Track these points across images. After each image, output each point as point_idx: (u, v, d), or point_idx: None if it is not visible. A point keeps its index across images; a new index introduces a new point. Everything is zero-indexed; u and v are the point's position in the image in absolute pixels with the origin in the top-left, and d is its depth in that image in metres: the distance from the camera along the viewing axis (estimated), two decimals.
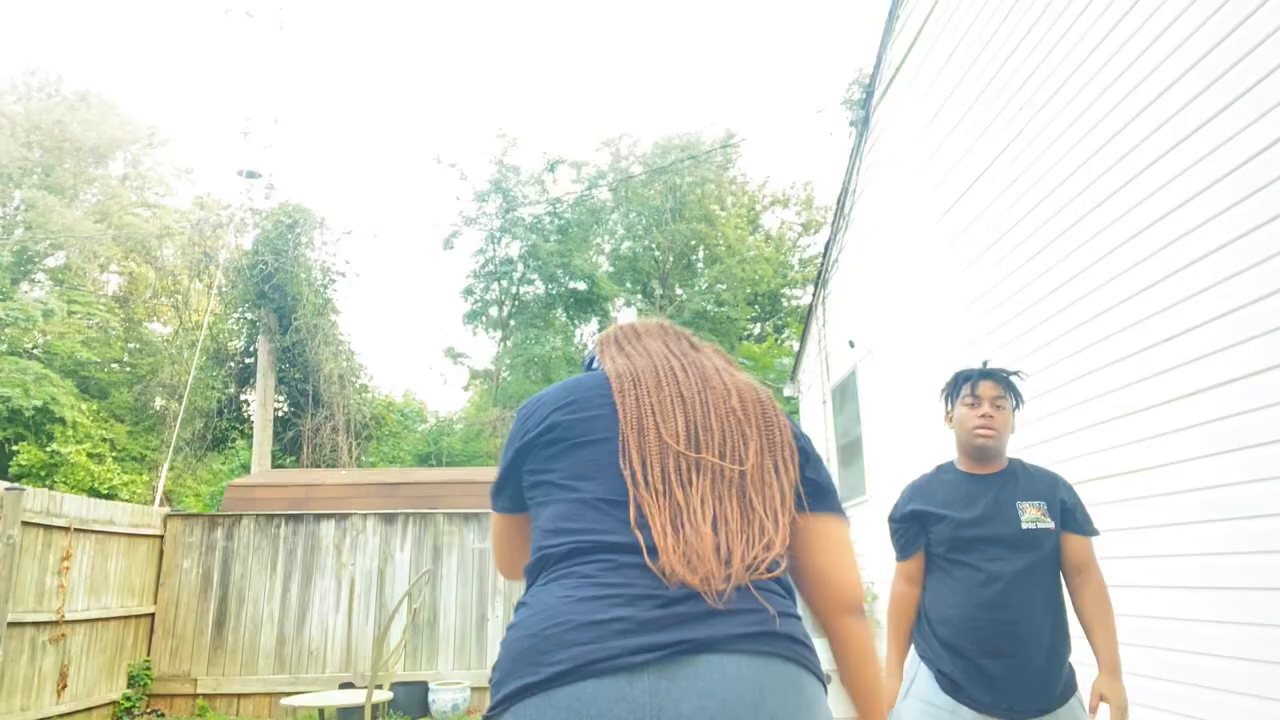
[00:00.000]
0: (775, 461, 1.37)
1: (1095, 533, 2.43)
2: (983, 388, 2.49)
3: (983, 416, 2.45)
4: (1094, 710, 2.29)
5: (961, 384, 2.55)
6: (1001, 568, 2.32)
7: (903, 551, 2.57)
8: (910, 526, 2.55)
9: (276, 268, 12.17)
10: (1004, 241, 4.57)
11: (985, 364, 2.59)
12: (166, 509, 8.41)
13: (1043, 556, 2.33)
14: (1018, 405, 2.51)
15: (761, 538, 1.29)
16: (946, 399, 2.62)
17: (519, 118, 43.36)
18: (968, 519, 2.40)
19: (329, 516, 7.96)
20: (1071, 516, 2.40)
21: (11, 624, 5.72)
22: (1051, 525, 2.35)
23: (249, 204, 13.00)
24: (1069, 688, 2.32)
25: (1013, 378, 2.51)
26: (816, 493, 1.39)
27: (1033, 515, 2.35)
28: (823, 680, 1.34)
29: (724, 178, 26.91)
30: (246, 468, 12.79)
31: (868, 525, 6.81)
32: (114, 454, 19.53)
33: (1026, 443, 4.28)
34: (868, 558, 6.84)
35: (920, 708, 2.39)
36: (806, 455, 1.43)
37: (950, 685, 2.36)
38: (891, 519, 2.64)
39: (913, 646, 2.56)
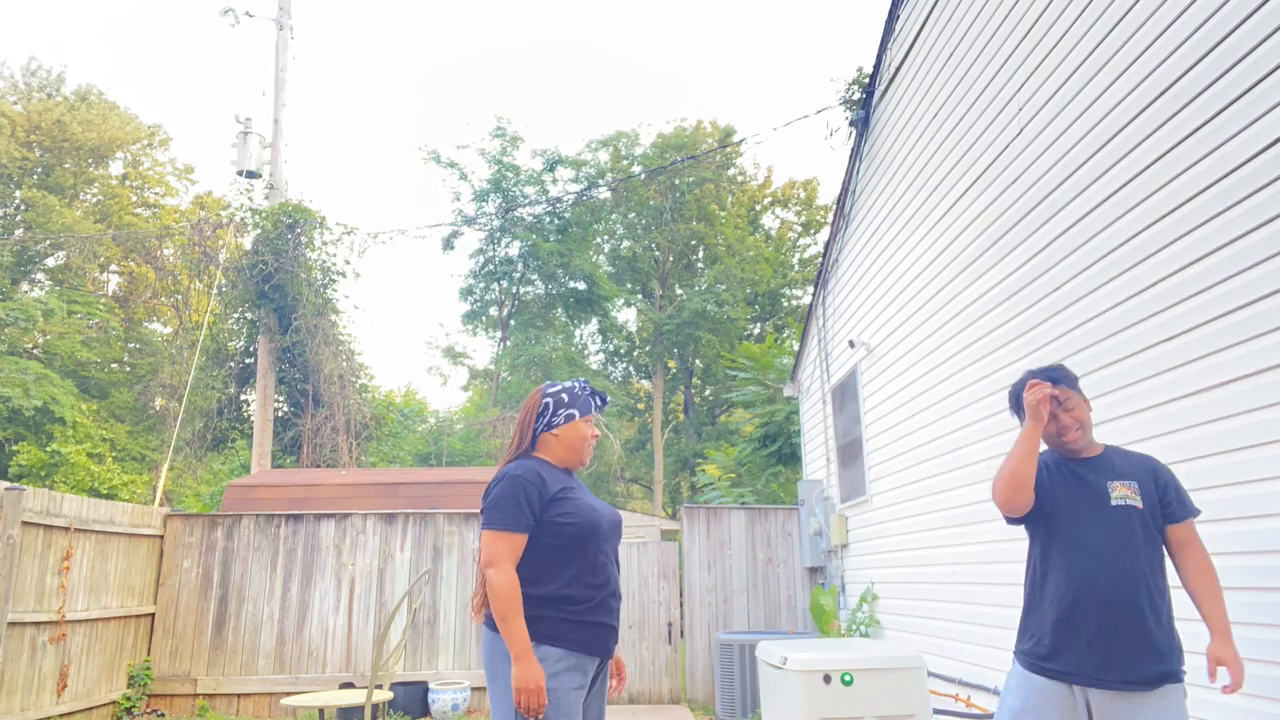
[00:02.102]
0: None
1: (1194, 512, 2.54)
2: (1059, 400, 2.60)
3: (1064, 426, 2.57)
4: (1213, 675, 2.39)
5: (1019, 396, 2.68)
6: (1095, 541, 2.43)
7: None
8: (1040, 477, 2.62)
9: (276, 268, 12.17)
10: (1004, 241, 4.57)
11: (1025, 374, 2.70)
12: (166, 509, 8.42)
13: (1131, 531, 2.44)
14: (1080, 390, 2.62)
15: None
16: (1015, 413, 2.73)
17: (519, 117, 43.39)
18: (1066, 495, 2.52)
19: (329, 516, 7.96)
20: (1165, 500, 2.52)
21: (11, 624, 5.72)
22: (1140, 504, 2.47)
23: (249, 204, 12.99)
24: (1170, 674, 2.37)
25: (1063, 373, 2.63)
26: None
27: (1122, 493, 2.48)
28: (497, 630, 2.38)
29: (724, 177, 26.91)
30: (246, 468, 12.80)
31: (867, 525, 6.82)
32: (114, 454, 19.55)
33: None
34: (869, 558, 6.84)
35: (1021, 686, 2.48)
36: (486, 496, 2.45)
37: (1042, 661, 2.44)
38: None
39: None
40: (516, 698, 2.30)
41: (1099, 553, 2.41)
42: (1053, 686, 2.40)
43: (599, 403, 2.77)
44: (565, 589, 2.43)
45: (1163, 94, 3.28)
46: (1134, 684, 2.33)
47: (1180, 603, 2.68)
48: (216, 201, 24.09)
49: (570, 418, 2.67)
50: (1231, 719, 2.84)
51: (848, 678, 3.95)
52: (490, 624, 2.45)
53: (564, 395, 2.70)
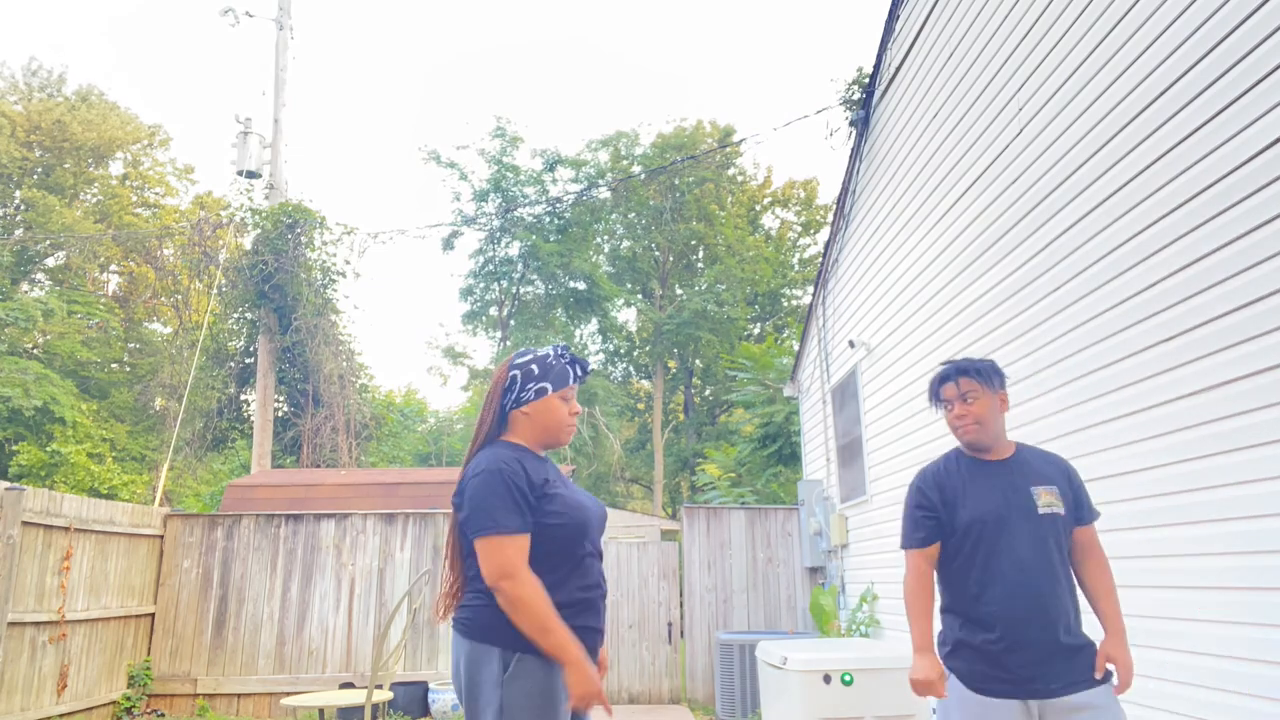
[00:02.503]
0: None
1: (1098, 515, 2.59)
2: (945, 390, 2.61)
3: (958, 416, 2.57)
4: (1100, 671, 2.39)
5: (933, 394, 2.67)
6: (1025, 553, 2.41)
7: (925, 540, 2.58)
8: (931, 516, 2.58)
9: (276, 268, 12.17)
10: (1004, 241, 4.57)
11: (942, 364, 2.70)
12: (166, 509, 8.42)
13: (1057, 538, 2.45)
14: (995, 387, 2.57)
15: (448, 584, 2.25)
16: (934, 405, 2.72)
17: (519, 117, 43.40)
18: (989, 508, 2.48)
19: (329, 516, 7.96)
20: (1079, 503, 2.54)
21: (11, 624, 5.72)
22: (1063, 510, 2.47)
23: (249, 204, 12.99)
24: (1094, 665, 2.41)
25: (978, 365, 2.59)
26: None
27: (1047, 500, 2.46)
28: (476, 639, 2.08)
29: (724, 177, 26.91)
30: (246, 468, 12.80)
31: (867, 525, 6.82)
32: (114, 454, 19.56)
33: (1028, 442, 4.28)
34: (869, 558, 6.84)
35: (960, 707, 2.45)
36: (460, 496, 2.16)
37: (980, 677, 2.41)
38: (914, 507, 2.64)
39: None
40: (586, 699, 2.02)
41: (1032, 568, 2.39)
42: (1004, 704, 2.36)
43: (579, 372, 2.34)
44: (552, 595, 2.07)
45: (1163, 94, 3.28)
46: (1079, 685, 2.36)
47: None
48: (216, 201, 24.10)
49: (543, 392, 2.25)
50: (1232, 718, 2.84)
51: (848, 678, 3.95)
52: (467, 633, 2.12)
53: (534, 366, 2.26)
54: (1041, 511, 2.44)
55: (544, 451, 2.33)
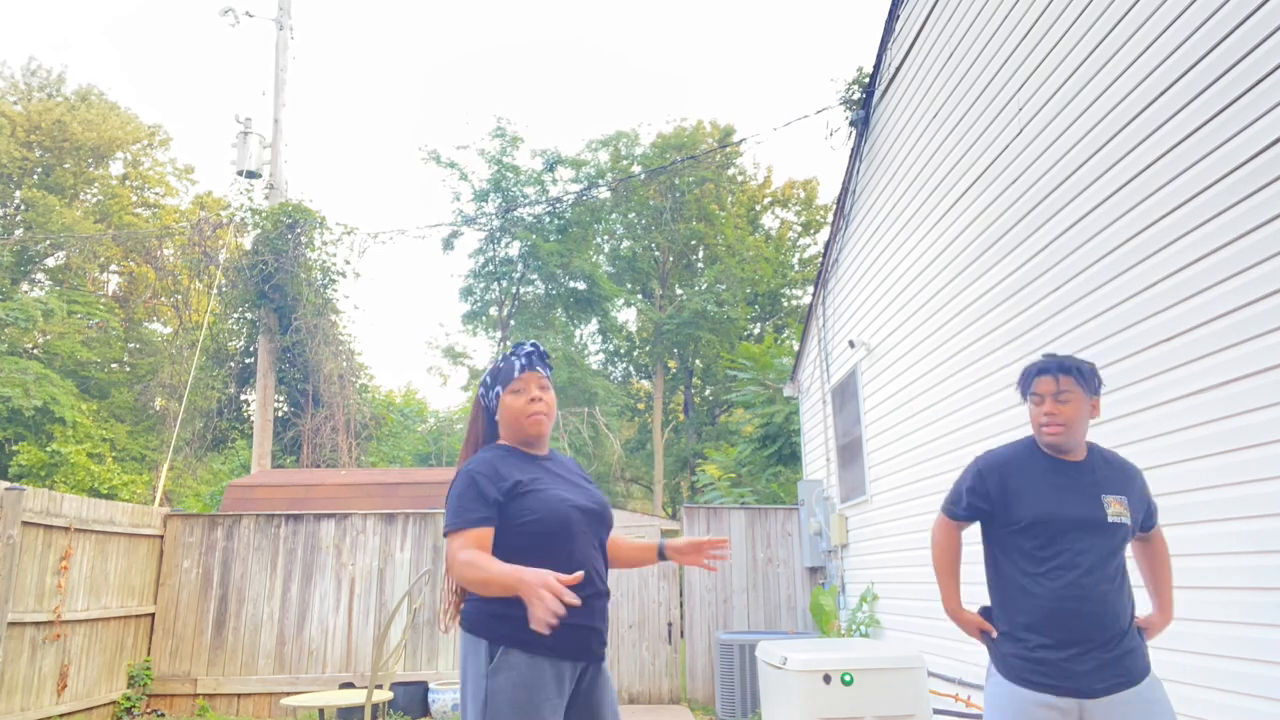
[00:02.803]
0: None
1: (1159, 521, 2.63)
2: (1041, 384, 2.48)
3: (1047, 414, 2.46)
4: (1147, 629, 2.51)
5: (1025, 382, 2.55)
6: (1088, 558, 2.39)
7: (965, 518, 2.58)
8: (981, 503, 2.53)
9: (276, 268, 12.16)
10: (1004, 241, 4.57)
11: (1046, 357, 2.58)
12: (166, 509, 8.42)
13: (1121, 546, 2.45)
14: (1092, 391, 2.48)
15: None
16: (1022, 394, 2.61)
17: (519, 117, 43.41)
18: (1058, 510, 2.43)
19: (329, 516, 7.96)
20: (1148, 512, 2.55)
21: (11, 624, 5.72)
22: (1129, 521, 2.45)
23: (249, 204, 12.99)
24: (1146, 662, 2.42)
25: (1080, 366, 2.49)
26: None
27: (1116, 510, 2.42)
28: (467, 631, 2.26)
29: (724, 177, 26.91)
30: (246, 468, 12.79)
31: (867, 525, 6.82)
32: (114, 454, 19.56)
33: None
34: (869, 558, 6.84)
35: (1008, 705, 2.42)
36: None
37: (1026, 671, 2.39)
38: (968, 489, 2.57)
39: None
40: (533, 591, 1.83)
41: (1093, 575, 2.38)
42: (1046, 699, 2.35)
43: (522, 361, 2.34)
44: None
45: (1163, 94, 3.28)
46: (1125, 684, 2.35)
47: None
48: (216, 201, 24.10)
49: (498, 395, 2.33)
50: (1232, 718, 2.84)
51: (848, 678, 3.95)
52: (462, 626, 2.23)
53: (488, 376, 2.38)
54: (1110, 520, 2.41)
55: (533, 449, 2.34)
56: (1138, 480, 2.53)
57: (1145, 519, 2.53)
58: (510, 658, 2.08)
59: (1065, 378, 2.45)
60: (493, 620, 2.12)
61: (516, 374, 2.32)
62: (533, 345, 2.39)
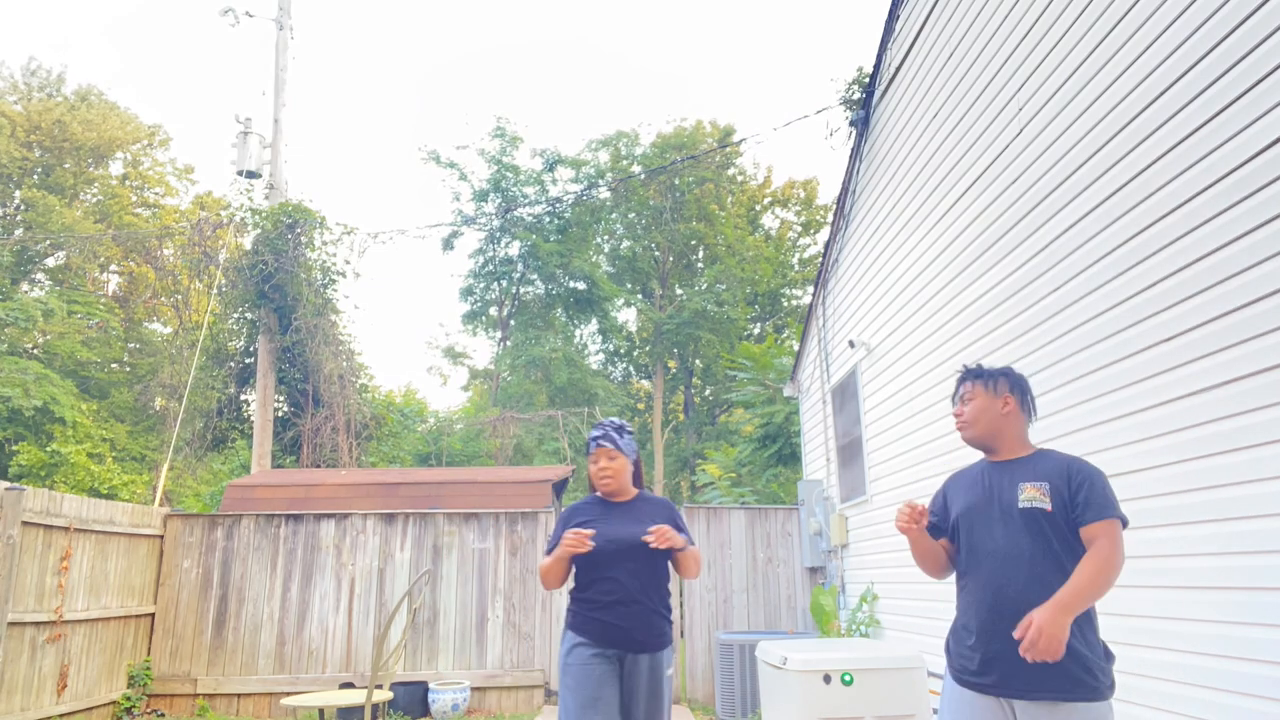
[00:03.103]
0: None
1: (1107, 516, 2.35)
2: (958, 393, 2.72)
3: (956, 415, 2.69)
4: (1020, 633, 2.23)
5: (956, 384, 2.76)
6: (998, 546, 2.43)
7: (933, 532, 2.70)
8: (934, 514, 2.70)
9: (276, 268, 12.16)
10: (1004, 241, 4.57)
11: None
12: (166, 509, 8.41)
13: (1042, 535, 2.37)
14: (997, 391, 2.61)
15: None
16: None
17: (519, 117, 43.40)
18: (971, 502, 2.54)
19: (329, 516, 7.96)
20: (1075, 502, 2.38)
21: (11, 624, 5.72)
22: (1049, 506, 2.38)
23: (249, 204, 12.98)
24: (1076, 685, 2.25)
25: (972, 369, 2.69)
26: None
27: (1030, 494, 2.41)
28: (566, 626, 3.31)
29: (724, 177, 26.91)
30: (246, 468, 12.79)
31: (867, 525, 6.82)
32: (114, 454, 19.56)
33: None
34: (869, 558, 6.85)
35: (947, 700, 2.51)
36: None
37: (959, 669, 2.47)
38: (934, 497, 2.80)
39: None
40: (566, 545, 3.09)
41: (1005, 563, 2.38)
42: (980, 699, 2.38)
43: (594, 440, 3.34)
44: (584, 593, 3.21)
45: (1163, 94, 3.28)
46: (1049, 694, 2.24)
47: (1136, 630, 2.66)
48: (216, 201, 24.10)
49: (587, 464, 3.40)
50: (1232, 718, 2.84)
51: (848, 678, 3.95)
52: (566, 623, 3.32)
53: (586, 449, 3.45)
54: (1021, 506, 2.40)
55: (613, 499, 3.36)
56: (1066, 468, 2.43)
57: (1075, 509, 2.37)
58: (567, 637, 3.24)
59: (967, 383, 2.66)
60: (569, 615, 3.28)
61: (591, 449, 3.35)
62: (602, 427, 3.35)
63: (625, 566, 3.14)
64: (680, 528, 3.30)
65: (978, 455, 2.73)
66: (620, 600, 3.13)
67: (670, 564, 3.30)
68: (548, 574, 3.17)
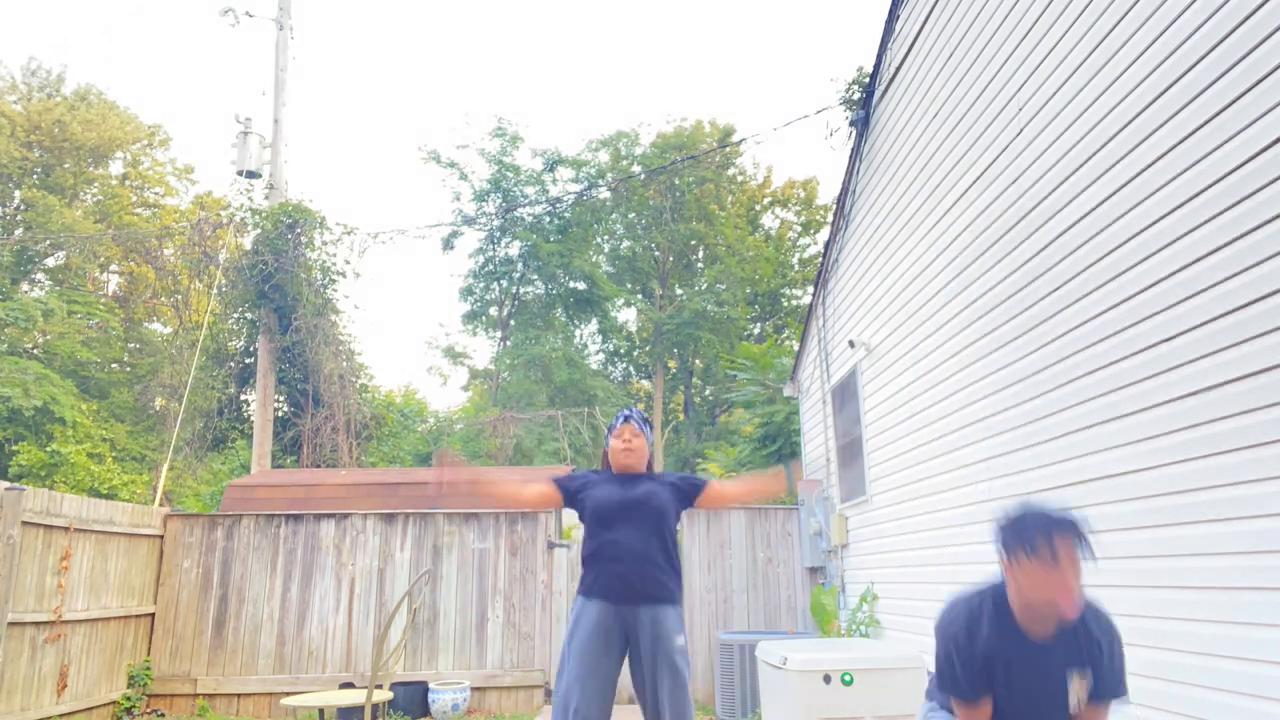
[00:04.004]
0: None
1: (1123, 694, 2.24)
2: (1064, 547, 2.07)
3: (1067, 590, 2.06)
4: None
5: (1035, 537, 2.11)
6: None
7: (975, 692, 2.21)
8: (982, 669, 2.20)
9: (276, 268, 12.15)
10: (1004, 241, 4.57)
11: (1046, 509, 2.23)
12: (166, 509, 8.41)
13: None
14: (1087, 555, 2.17)
15: None
16: (1008, 548, 2.17)
17: (519, 117, 43.36)
18: (1024, 696, 2.15)
19: (329, 516, 7.96)
20: (1103, 682, 2.23)
21: (11, 624, 5.72)
22: (1086, 697, 2.21)
23: (249, 204, 12.98)
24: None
25: (1071, 524, 2.16)
26: None
27: (1076, 688, 2.18)
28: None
29: (723, 177, 26.91)
30: (246, 468, 12.78)
31: (868, 525, 6.82)
32: (114, 454, 19.56)
33: (1030, 443, 4.29)
34: (869, 558, 6.84)
35: None
36: None
37: None
38: (956, 653, 2.22)
39: None
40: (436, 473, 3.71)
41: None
42: None
43: (623, 416, 3.64)
44: (588, 553, 3.47)
45: (1163, 94, 3.28)
46: None
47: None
48: (216, 201, 24.10)
49: (607, 443, 3.68)
50: (1232, 718, 2.84)
51: (848, 678, 3.95)
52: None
53: (606, 431, 3.71)
54: (1071, 701, 2.23)
55: (626, 472, 3.60)
56: (1109, 651, 2.31)
57: (1099, 689, 2.25)
58: (579, 607, 3.43)
59: (1081, 547, 2.14)
60: (580, 584, 3.51)
61: (617, 425, 3.60)
62: (631, 410, 3.66)
63: (629, 525, 3.35)
64: (690, 486, 3.59)
65: (972, 452, 2.71)
66: (622, 555, 3.33)
67: (709, 506, 3.67)
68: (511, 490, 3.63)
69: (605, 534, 3.40)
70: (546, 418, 19.17)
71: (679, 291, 26.83)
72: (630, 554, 3.33)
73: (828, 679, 3.94)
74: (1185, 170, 3.14)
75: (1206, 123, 3.03)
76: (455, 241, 24.20)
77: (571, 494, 3.57)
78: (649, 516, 3.40)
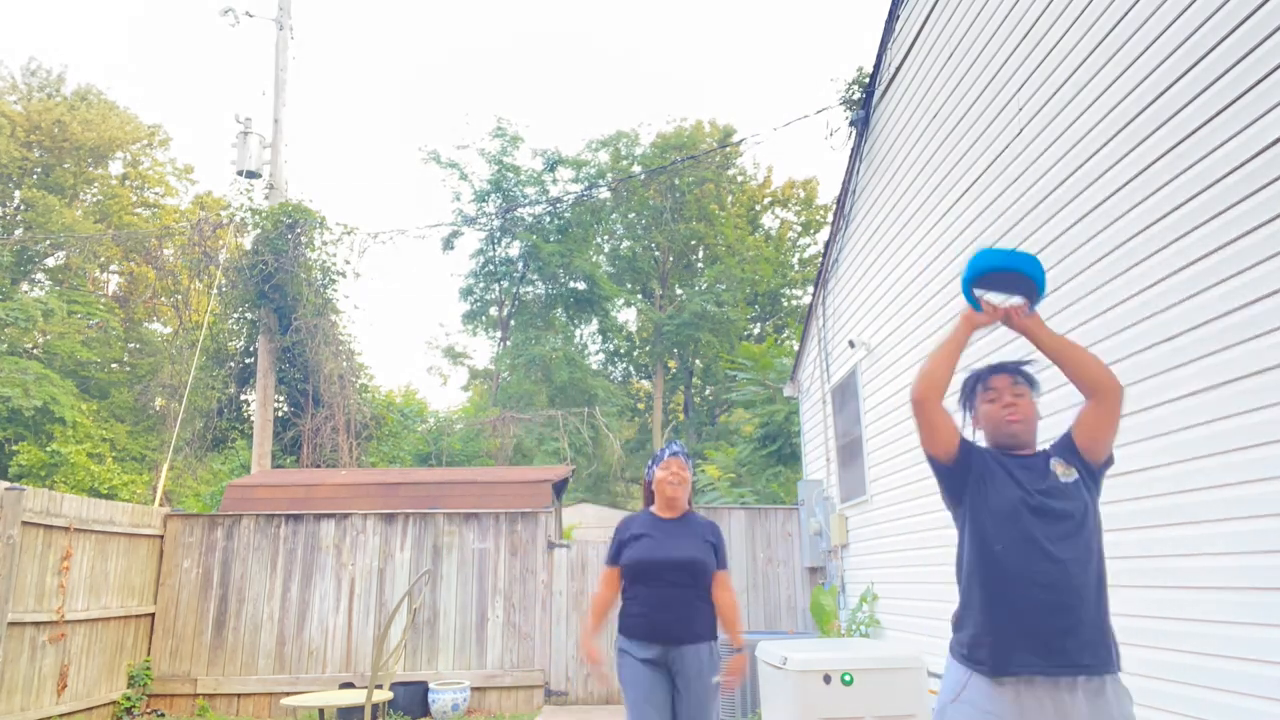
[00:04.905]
0: None
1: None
2: (995, 381, 2.49)
3: (1007, 406, 2.44)
4: None
5: (974, 385, 2.55)
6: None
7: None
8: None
9: (276, 268, 12.15)
10: (1004, 241, 4.57)
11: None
12: (166, 509, 8.41)
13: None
14: (1035, 391, 2.51)
15: None
16: (965, 407, 2.59)
17: (519, 117, 43.39)
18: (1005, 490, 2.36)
19: (329, 516, 7.96)
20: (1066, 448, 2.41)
21: (11, 624, 5.72)
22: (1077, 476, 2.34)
23: (249, 204, 12.98)
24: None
25: (1024, 367, 2.51)
26: None
27: (1063, 471, 2.34)
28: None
29: (724, 177, 26.91)
30: (246, 468, 12.78)
31: (868, 525, 6.82)
32: (114, 454, 19.56)
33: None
34: (869, 558, 6.84)
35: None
36: None
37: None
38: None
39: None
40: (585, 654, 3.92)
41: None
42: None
43: (670, 450, 3.76)
44: (632, 596, 3.57)
45: (1163, 94, 3.28)
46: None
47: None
48: (216, 201, 24.09)
49: (651, 470, 3.78)
50: (1231, 718, 2.84)
51: (848, 678, 3.95)
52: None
53: (650, 461, 3.82)
54: (1063, 480, 2.35)
55: (668, 513, 3.71)
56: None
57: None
58: (620, 639, 3.57)
59: (1021, 382, 2.47)
60: (620, 621, 3.65)
61: (664, 457, 3.74)
62: (678, 443, 3.82)
63: (670, 576, 3.52)
64: (718, 549, 3.69)
65: None
66: (664, 601, 3.51)
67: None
68: (599, 606, 3.69)
69: (643, 580, 3.55)
70: (546, 418, 19.17)
71: (679, 291, 26.84)
72: (667, 601, 3.52)
73: (828, 679, 3.94)
74: (1185, 170, 3.14)
75: (1207, 123, 3.03)
76: (455, 242, 24.21)
77: (619, 553, 3.71)
78: (685, 567, 3.56)
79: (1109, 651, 2.20)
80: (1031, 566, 2.22)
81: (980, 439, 2.55)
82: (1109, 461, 2.38)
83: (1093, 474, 2.36)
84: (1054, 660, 2.14)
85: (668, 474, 3.69)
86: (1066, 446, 2.39)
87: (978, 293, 2.39)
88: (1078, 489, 2.31)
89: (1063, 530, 2.24)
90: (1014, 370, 2.50)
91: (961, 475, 2.47)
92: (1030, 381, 2.50)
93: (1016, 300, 2.39)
